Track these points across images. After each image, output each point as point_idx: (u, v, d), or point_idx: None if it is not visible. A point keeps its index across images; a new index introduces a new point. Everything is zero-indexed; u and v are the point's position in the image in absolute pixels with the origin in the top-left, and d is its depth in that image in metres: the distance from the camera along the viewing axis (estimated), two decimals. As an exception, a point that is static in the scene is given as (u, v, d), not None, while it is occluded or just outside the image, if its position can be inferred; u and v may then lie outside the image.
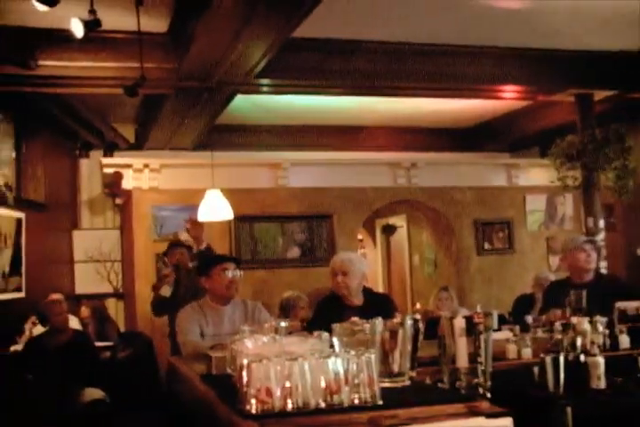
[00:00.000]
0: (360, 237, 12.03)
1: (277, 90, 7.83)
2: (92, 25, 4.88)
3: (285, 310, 7.55)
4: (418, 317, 3.31)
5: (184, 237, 9.08)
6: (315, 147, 10.55)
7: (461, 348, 3.10)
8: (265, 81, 7.22)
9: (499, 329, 4.68)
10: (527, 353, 4.27)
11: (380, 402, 2.58)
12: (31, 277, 8.18)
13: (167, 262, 7.03)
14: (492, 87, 7.88)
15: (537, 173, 10.69)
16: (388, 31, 6.86)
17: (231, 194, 8.16)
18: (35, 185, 8.80)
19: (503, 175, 10.79)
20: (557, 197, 10.72)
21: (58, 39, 6.22)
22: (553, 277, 7.37)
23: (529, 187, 10.75)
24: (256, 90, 7.65)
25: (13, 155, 7.92)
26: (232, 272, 4.88)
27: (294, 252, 9.84)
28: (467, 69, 7.51)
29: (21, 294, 7.96)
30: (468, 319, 3.20)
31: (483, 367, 3.09)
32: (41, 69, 6.47)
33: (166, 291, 6.65)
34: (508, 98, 8.40)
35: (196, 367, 3.91)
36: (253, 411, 2.47)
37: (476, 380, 3.06)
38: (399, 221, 12.19)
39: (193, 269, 6.65)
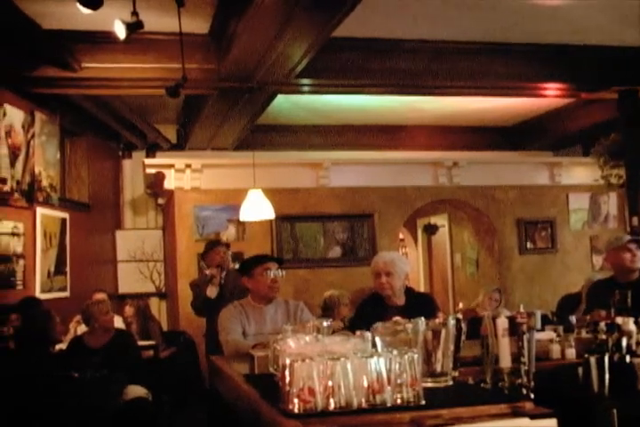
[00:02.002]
0: (401, 236, 11.99)
1: (318, 90, 7.83)
2: (134, 27, 4.92)
3: (327, 308, 7.57)
4: (460, 316, 3.29)
5: (226, 236, 9.16)
6: (355, 146, 10.54)
7: (504, 348, 3.07)
8: (306, 81, 7.23)
9: (542, 329, 4.64)
10: (571, 354, 4.22)
11: (423, 402, 2.57)
12: (75, 276, 8.29)
13: (206, 263, 7.04)
14: (535, 85, 7.80)
15: (580, 172, 10.58)
16: (427, 30, 6.83)
17: (272, 194, 8.18)
18: (79, 186, 8.91)
19: (546, 174, 10.68)
20: (601, 196, 10.60)
21: (101, 41, 6.31)
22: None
23: (572, 185, 10.64)
24: (297, 90, 7.66)
25: (58, 156, 8.02)
26: (274, 272, 4.88)
27: (336, 251, 9.84)
28: (508, 67, 7.45)
29: (66, 294, 8.07)
30: (511, 319, 3.17)
31: (526, 368, 3.06)
32: (84, 71, 6.56)
33: (212, 292, 6.66)
34: (551, 96, 8.31)
35: (238, 367, 3.92)
36: (296, 410, 2.47)
37: (519, 380, 3.04)
38: (441, 220, 12.14)
39: (234, 269, 6.68)
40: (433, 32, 6.90)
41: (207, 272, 6.90)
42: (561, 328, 4.54)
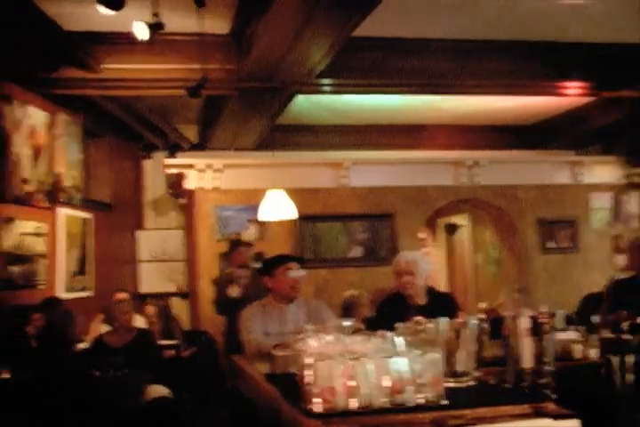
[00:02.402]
0: (422, 236, 11.96)
1: (339, 89, 7.82)
2: (155, 28, 4.94)
3: (347, 309, 7.55)
4: (482, 316, 3.28)
5: (247, 236, 9.17)
6: (376, 146, 10.52)
7: (526, 348, 3.06)
8: (326, 81, 7.23)
9: (565, 329, 4.62)
10: (594, 354, 4.20)
11: (445, 402, 2.56)
12: (98, 276, 8.33)
13: (229, 263, 7.05)
14: (556, 84, 7.77)
15: (602, 171, 10.52)
16: (448, 29, 6.81)
17: (293, 194, 8.18)
18: (101, 186, 8.96)
19: (567, 173, 10.63)
20: (623, 195, 10.52)
21: (122, 42, 6.33)
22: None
23: (594, 185, 10.58)
24: (317, 90, 7.65)
25: (80, 157, 8.07)
26: (295, 272, 4.89)
27: (356, 251, 9.83)
28: (530, 66, 7.41)
29: (88, 293, 8.11)
30: (533, 319, 3.16)
31: (548, 368, 3.05)
32: (105, 72, 6.59)
33: (235, 291, 6.67)
34: (573, 95, 8.25)
35: (259, 366, 3.93)
36: (317, 410, 2.48)
37: (541, 380, 3.02)
38: (461, 219, 12.10)
39: (254, 269, 6.69)
40: (454, 31, 6.87)
41: (227, 271, 6.92)
42: (583, 328, 4.52)
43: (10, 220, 6.49)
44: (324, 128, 10.32)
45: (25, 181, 6.75)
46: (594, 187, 10.57)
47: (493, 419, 2.51)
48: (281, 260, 5.07)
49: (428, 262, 5.01)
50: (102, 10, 4.68)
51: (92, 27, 6.22)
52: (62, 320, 5.51)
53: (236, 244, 7.27)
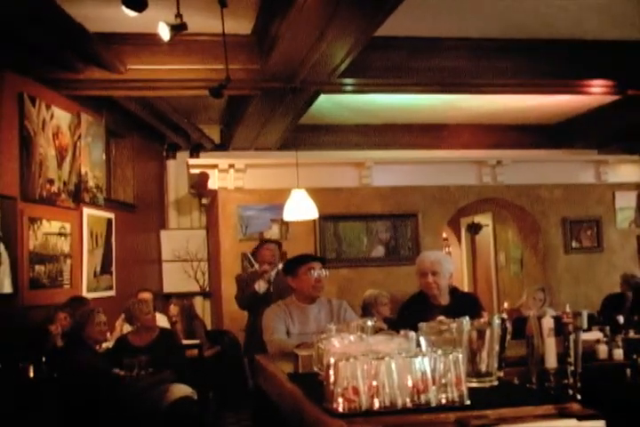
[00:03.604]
0: (445, 235, 11.95)
1: (361, 89, 7.82)
2: (178, 28, 4.96)
3: (365, 308, 7.58)
4: (505, 316, 3.27)
5: (269, 236, 9.19)
6: (398, 145, 10.51)
7: (550, 348, 3.05)
8: (348, 80, 7.23)
9: (589, 329, 4.60)
10: (618, 354, 4.17)
11: (468, 402, 2.56)
12: (121, 276, 8.38)
13: (256, 260, 7.06)
14: (580, 82, 7.71)
15: (626, 170, 10.46)
16: (470, 27, 6.79)
17: (316, 193, 8.19)
18: (124, 186, 9.01)
19: (591, 172, 10.58)
20: (648, 194, 10.47)
21: (145, 43, 6.37)
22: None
23: (618, 184, 10.52)
24: (339, 89, 7.65)
25: (104, 157, 8.12)
26: (318, 272, 4.90)
27: (379, 251, 9.83)
28: (552, 64, 7.36)
29: (112, 293, 8.16)
30: (557, 319, 3.15)
31: (572, 368, 3.03)
32: (129, 73, 6.63)
33: (260, 287, 6.67)
34: (596, 93, 8.19)
35: (282, 366, 3.94)
36: (340, 409, 2.48)
37: (565, 381, 3.01)
38: (484, 219, 12.07)
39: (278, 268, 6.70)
40: (475, 30, 6.86)
41: (256, 267, 6.93)
42: (608, 328, 4.49)
43: (35, 220, 6.55)
44: (347, 128, 10.33)
45: (50, 182, 6.80)
46: (618, 186, 10.51)
47: (517, 419, 2.50)
48: (303, 259, 5.09)
49: (450, 262, 4.99)
50: (126, 11, 4.70)
51: (117, 28, 6.25)
52: (81, 320, 5.54)
53: (266, 241, 7.28)
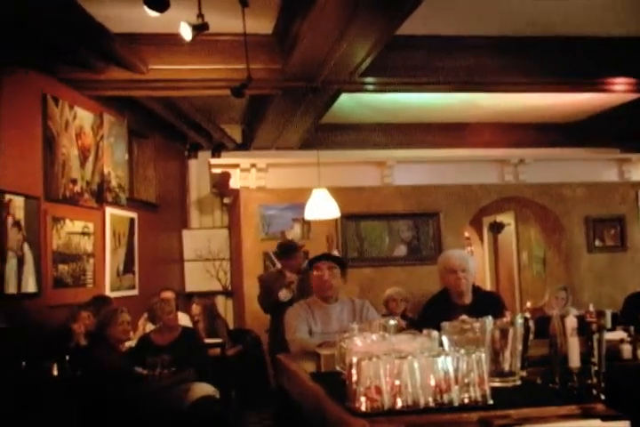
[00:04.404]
0: (467, 234, 11.91)
1: (382, 88, 7.81)
2: (200, 28, 4.97)
3: (386, 307, 7.62)
4: (528, 315, 3.25)
5: (290, 235, 9.20)
6: (420, 144, 10.49)
7: (573, 348, 3.03)
8: (369, 79, 7.22)
9: (613, 329, 4.56)
10: (643, 354, 4.14)
11: (491, 402, 2.55)
12: (143, 275, 8.42)
13: (282, 260, 7.04)
14: (602, 80, 7.66)
15: (650, 168, 10.37)
16: (490, 25, 6.76)
17: (337, 192, 8.18)
18: (146, 186, 9.05)
19: (614, 170, 10.49)
20: (673, 192, 10.37)
21: (167, 43, 6.40)
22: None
23: (642, 182, 10.44)
24: (361, 88, 7.65)
25: (126, 157, 8.16)
26: (323, 271, 4.91)
27: (401, 250, 9.81)
28: (574, 62, 7.31)
29: (134, 292, 8.20)
30: (580, 319, 3.13)
31: (596, 368, 3.01)
32: (151, 73, 6.66)
33: (285, 295, 6.67)
34: (619, 91, 8.14)
35: (304, 365, 3.94)
36: (363, 409, 2.48)
37: (589, 381, 2.99)
38: (507, 218, 12.02)
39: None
40: (496, 27, 6.83)
41: (278, 266, 6.93)
42: (632, 328, 4.46)
43: (59, 219, 6.59)
44: (368, 127, 10.32)
45: (73, 182, 6.85)
46: (641, 184, 10.44)
47: (540, 419, 2.49)
48: (314, 259, 5.13)
49: (475, 261, 4.99)
50: (149, 11, 4.72)
51: (139, 28, 6.29)
52: (102, 318, 5.57)
53: (291, 249, 7.19)
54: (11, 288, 5.82)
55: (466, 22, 6.65)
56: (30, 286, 6.09)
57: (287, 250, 7.14)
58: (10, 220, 5.83)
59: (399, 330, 3.53)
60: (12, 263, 5.83)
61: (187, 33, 5.02)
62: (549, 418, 2.50)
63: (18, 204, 5.95)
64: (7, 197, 5.80)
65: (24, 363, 5.06)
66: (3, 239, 5.73)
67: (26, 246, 6.03)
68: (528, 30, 6.92)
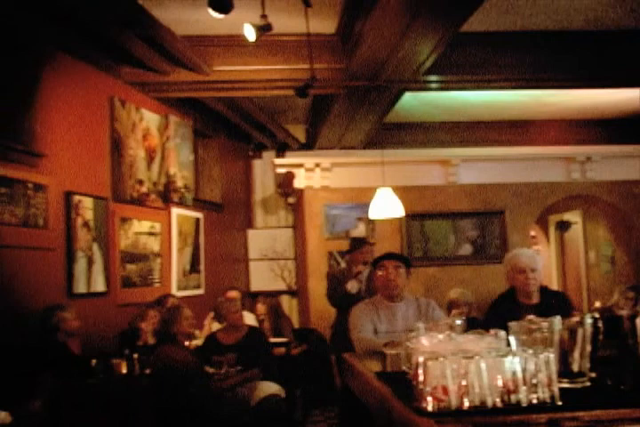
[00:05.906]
0: (533, 233, 11.77)
1: (446, 86, 7.74)
2: (263, 29, 5.01)
3: (450, 308, 7.55)
4: (597, 315, 3.20)
5: (355, 234, 9.20)
6: (484, 142, 10.39)
7: (645, 348, 2.97)
8: (433, 78, 7.17)
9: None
10: None
11: (560, 403, 2.51)
12: (209, 274, 8.52)
13: (352, 260, 7.06)
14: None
15: None
16: (553, 20, 6.63)
17: (401, 191, 8.17)
18: (211, 186, 9.14)
19: (685, 167, 10.27)
20: None
21: (231, 45, 6.45)
22: None
23: None
24: (424, 87, 7.60)
25: (191, 157, 8.25)
26: (388, 270, 4.89)
27: (466, 249, 9.74)
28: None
29: (200, 291, 8.30)
30: (652, 319, 3.06)
31: (669, 369, 2.95)
32: (216, 75, 6.72)
33: (353, 286, 6.67)
34: (690, 85, 7.96)
35: (369, 364, 3.93)
36: (430, 409, 2.46)
37: (661, 382, 2.93)
38: (574, 216, 11.83)
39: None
40: (559, 22, 6.71)
41: (342, 265, 6.94)
42: None
43: (126, 220, 6.70)
44: (432, 125, 10.26)
45: (140, 183, 6.95)
46: None
47: (611, 422, 2.45)
48: (378, 258, 5.11)
49: (541, 260, 4.92)
50: (213, 13, 4.77)
51: (203, 30, 6.35)
52: (167, 317, 5.64)
53: (359, 242, 7.22)
54: (80, 287, 5.94)
55: (528, 17, 6.54)
56: (99, 285, 6.20)
57: (356, 243, 7.16)
58: (79, 220, 5.95)
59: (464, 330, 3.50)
60: (81, 263, 5.95)
61: (250, 34, 5.06)
62: (620, 421, 2.45)
63: (87, 204, 6.07)
64: (77, 198, 5.93)
65: (94, 361, 5.16)
66: (73, 239, 5.86)
67: (95, 246, 6.15)
68: (591, 24, 6.77)
